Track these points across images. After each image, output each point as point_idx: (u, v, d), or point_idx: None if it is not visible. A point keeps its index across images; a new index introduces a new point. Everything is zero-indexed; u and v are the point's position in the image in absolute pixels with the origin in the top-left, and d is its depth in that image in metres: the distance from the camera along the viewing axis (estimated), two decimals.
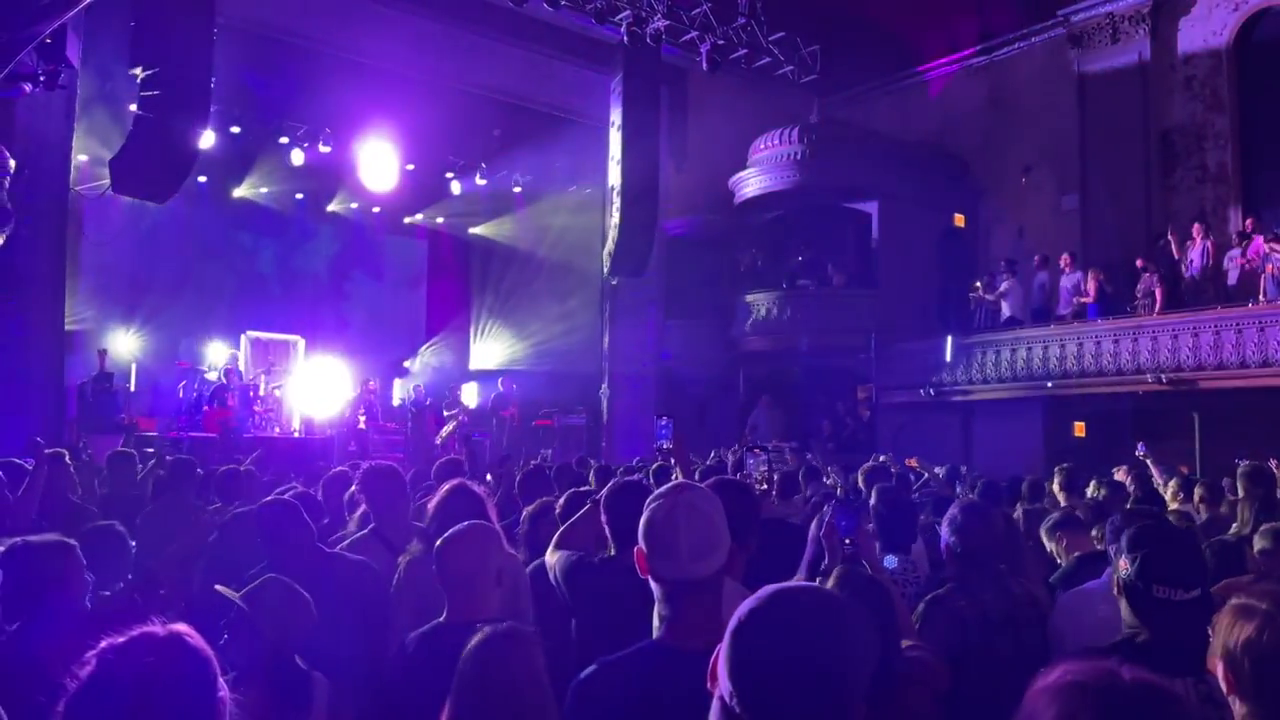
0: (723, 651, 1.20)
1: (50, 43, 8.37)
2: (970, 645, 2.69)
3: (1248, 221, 12.87)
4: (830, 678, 1.16)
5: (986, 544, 2.86)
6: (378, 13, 12.91)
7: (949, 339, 14.36)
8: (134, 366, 14.99)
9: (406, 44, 13.17)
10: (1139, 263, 12.99)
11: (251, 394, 14.27)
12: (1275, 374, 11.29)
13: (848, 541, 2.55)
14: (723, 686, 1.19)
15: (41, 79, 8.79)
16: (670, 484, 1.96)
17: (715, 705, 1.21)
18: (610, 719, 1.77)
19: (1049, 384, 13.45)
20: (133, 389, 14.49)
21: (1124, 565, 2.17)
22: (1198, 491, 5.89)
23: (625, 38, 12.36)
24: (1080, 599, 2.90)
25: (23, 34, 6.42)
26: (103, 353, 13.76)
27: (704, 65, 12.87)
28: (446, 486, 3.14)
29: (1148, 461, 7.83)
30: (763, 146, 16.36)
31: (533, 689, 1.89)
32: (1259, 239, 12.17)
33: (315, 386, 15.72)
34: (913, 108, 17.95)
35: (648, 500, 1.88)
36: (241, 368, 14.90)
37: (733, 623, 1.21)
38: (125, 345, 15.33)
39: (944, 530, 2.94)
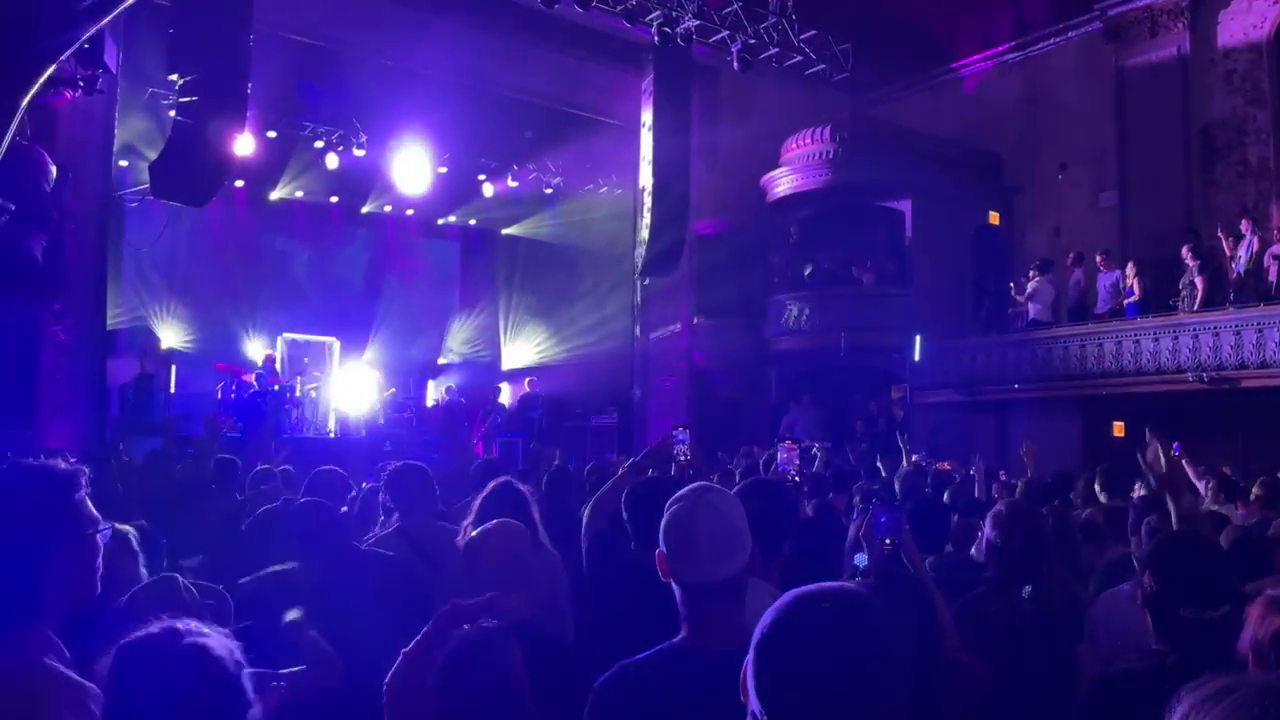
0: (749, 664, 1.14)
1: (89, 48, 8.52)
2: (999, 652, 2.65)
3: None
4: (863, 685, 1.09)
5: (1028, 543, 2.81)
6: (410, 16, 13.00)
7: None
8: (173, 368, 15.25)
9: (438, 47, 13.25)
10: (1185, 251, 12.71)
11: (287, 395, 14.45)
12: None
13: (888, 541, 2.52)
14: (752, 704, 1.13)
15: (80, 84, 8.94)
16: (691, 485, 1.94)
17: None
18: None
19: (1087, 383, 13.26)
20: (172, 390, 14.74)
21: (1148, 582, 2.11)
22: (1255, 491, 5.78)
23: (656, 38, 12.34)
24: (1114, 600, 2.85)
25: (62, 39, 6.52)
26: (146, 354, 13.98)
27: (735, 65, 12.82)
28: (491, 484, 3.16)
29: (1183, 462, 7.70)
30: (794, 146, 16.28)
31: (500, 689, 1.84)
32: None
33: (350, 387, 15.88)
34: (946, 105, 17.76)
35: (668, 502, 1.88)
36: (278, 369, 15.08)
37: (756, 634, 1.15)
38: (165, 346, 15.58)
39: (986, 527, 2.90)
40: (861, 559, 2.43)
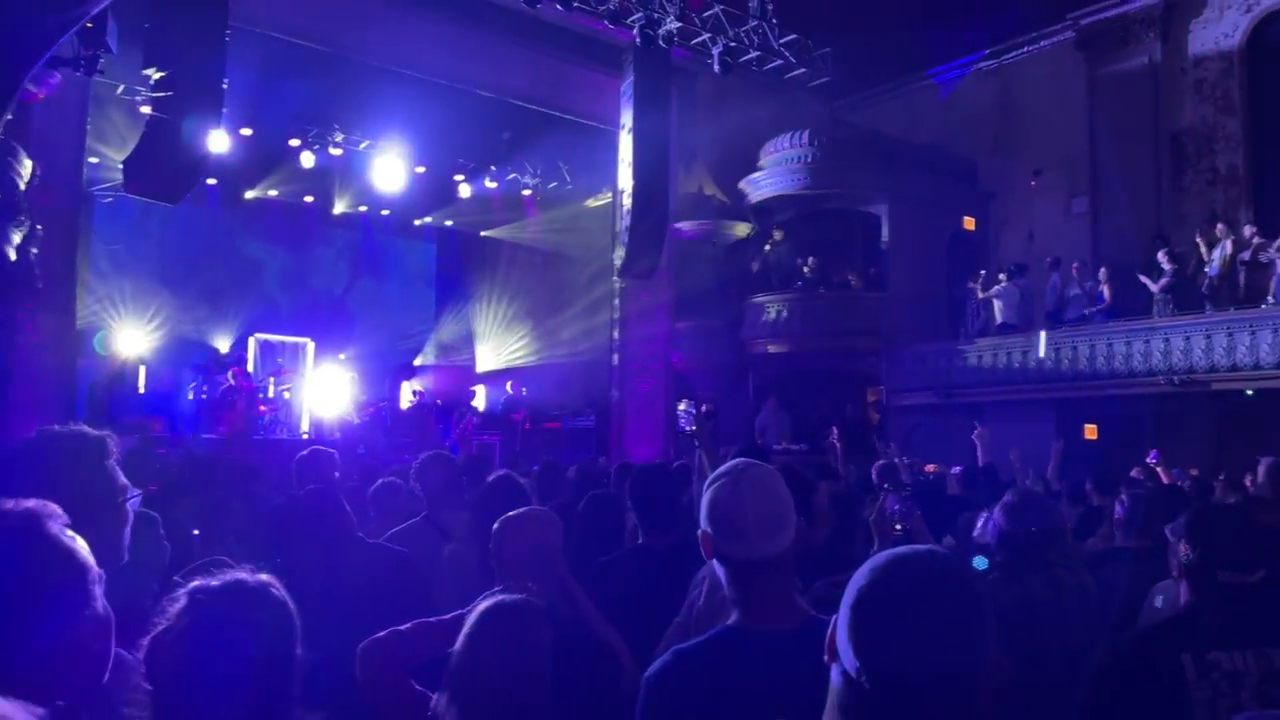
0: (842, 624, 1.13)
1: (91, 27, 8.43)
2: (1013, 637, 2.67)
3: (1255, 226, 12.83)
4: (963, 642, 1.09)
5: (1039, 531, 2.84)
6: (389, 15, 12.92)
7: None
8: (142, 368, 15.02)
9: (417, 47, 13.18)
10: (1161, 255, 12.92)
11: (260, 396, 14.28)
12: None
13: (898, 527, 2.53)
14: (847, 662, 1.11)
15: (82, 63, 8.83)
16: (731, 463, 1.92)
17: (836, 682, 1.14)
18: (690, 708, 1.70)
19: (1059, 386, 13.42)
20: (142, 390, 14.53)
21: (1184, 550, 2.17)
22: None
23: (638, 39, 12.35)
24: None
25: (73, 13, 6.41)
26: (116, 353, 13.78)
27: (716, 67, 12.86)
28: (492, 476, 3.13)
29: (1158, 469, 7.86)
30: (773, 149, 16.37)
31: (525, 662, 1.84)
32: (1263, 243, 12.17)
33: (324, 389, 15.73)
34: (923, 110, 17.95)
35: (709, 480, 1.85)
36: (250, 369, 14.91)
37: (851, 592, 1.14)
38: (135, 347, 15.35)
39: (996, 515, 2.93)
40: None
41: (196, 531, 3.05)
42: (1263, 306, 11.76)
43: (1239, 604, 2.09)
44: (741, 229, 16.86)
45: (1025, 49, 16.84)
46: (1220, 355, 11.84)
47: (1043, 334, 13.29)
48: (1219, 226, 12.80)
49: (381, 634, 2.08)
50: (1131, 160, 14.99)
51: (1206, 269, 12.56)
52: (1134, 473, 7.74)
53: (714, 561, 1.81)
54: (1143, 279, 13.08)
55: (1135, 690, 2.04)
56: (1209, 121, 14.62)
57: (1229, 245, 12.40)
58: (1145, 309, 13.06)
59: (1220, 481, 7.08)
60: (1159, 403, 12.34)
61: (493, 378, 18.30)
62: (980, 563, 3.01)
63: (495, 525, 2.27)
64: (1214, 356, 11.90)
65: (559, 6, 11.67)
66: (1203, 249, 12.77)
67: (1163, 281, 12.86)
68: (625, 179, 13.77)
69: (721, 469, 1.85)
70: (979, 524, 4.10)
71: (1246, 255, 12.31)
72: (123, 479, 1.75)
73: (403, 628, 2.09)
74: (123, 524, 1.75)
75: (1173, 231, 13.95)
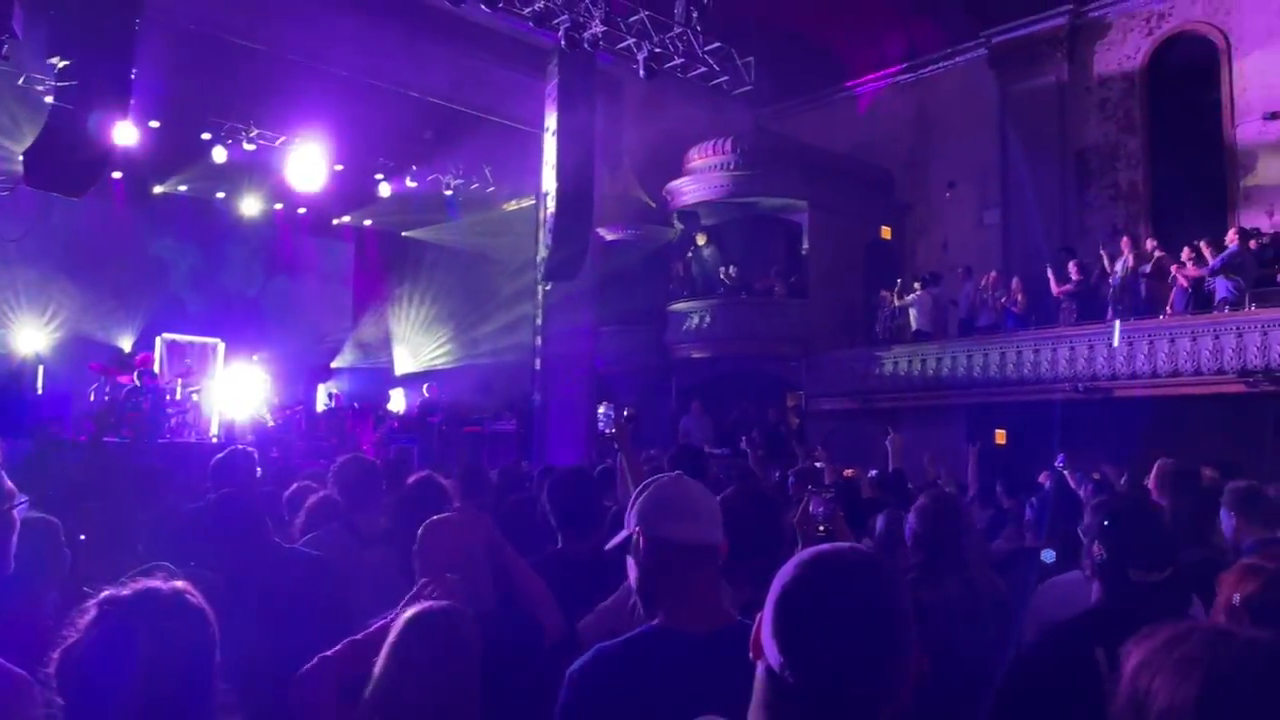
0: (767, 620, 1.14)
1: None
2: (933, 634, 2.73)
3: (1155, 240, 13.41)
4: (887, 636, 1.12)
5: (952, 533, 2.91)
6: (307, 8, 12.60)
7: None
8: (40, 369, 14.36)
9: (336, 42, 12.89)
10: (1071, 266, 13.40)
11: (167, 398, 13.77)
12: (1183, 384, 11.81)
13: (821, 529, 2.56)
14: (771, 658, 1.13)
15: None
16: (660, 475, 1.93)
17: (761, 678, 1.15)
18: (613, 709, 1.69)
19: (971, 392, 13.81)
20: (39, 391, 13.89)
21: (1097, 550, 2.24)
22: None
23: (563, 42, 12.31)
24: (1054, 588, 2.98)
25: None
26: (11, 353, 13.16)
27: (641, 73, 12.90)
28: (413, 478, 3.07)
29: (1065, 472, 8.15)
30: (697, 155, 16.51)
31: (453, 669, 1.80)
32: (1164, 256, 12.74)
33: (235, 391, 15.26)
34: (843, 122, 18.31)
35: (644, 483, 1.85)
36: (157, 370, 14.37)
37: (776, 589, 1.15)
38: (33, 345, 14.67)
39: (911, 518, 2.99)
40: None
41: (83, 537, 2.92)
42: (1160, 318, 12.30)
43: (1148, 600, 2.17)
44: (666, 234, 16.95)
45: (941, 64, 17.32)
46: (1121, 363, 12.34)
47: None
48: (1124, 240, 13.35)
49: (311, 663, 2.00)
50: (1040, 174, 15.53)
51: (1110, 280, 13.08)
52: (1042, 477, 7.99)
53: (639, 561, 1.79)
54: (1049, 275, 13.54)
55: (1050, 682, 2.10)
56: (1112, 139, 15.24)
57: (1130, 258, 12.94)
58: (1055, 318, 13.54)
59: (1124, 484, 7.37)
60: (1066, 408, 12.78)
61: (412, 380, 18.01)
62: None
63: (421, 528, 2.22)
64: (1115, 364, 12.40)
65: (484, 7, 11.56)
66: (1105, 261, 13.30)
67: (1066, 287, 13.35)
68: (549, 181, 13.71)
69: (655, 477, 1.86)
70: (879, 524, 4.18)
71: (1147, 268, 12.86)
72: (9, 484, 1.65)
73: (330, 653, 2.01)
74: (9, 531, 1.65)
75: (1078, 244, 14.50)
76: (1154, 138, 14.95)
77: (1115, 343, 12.80)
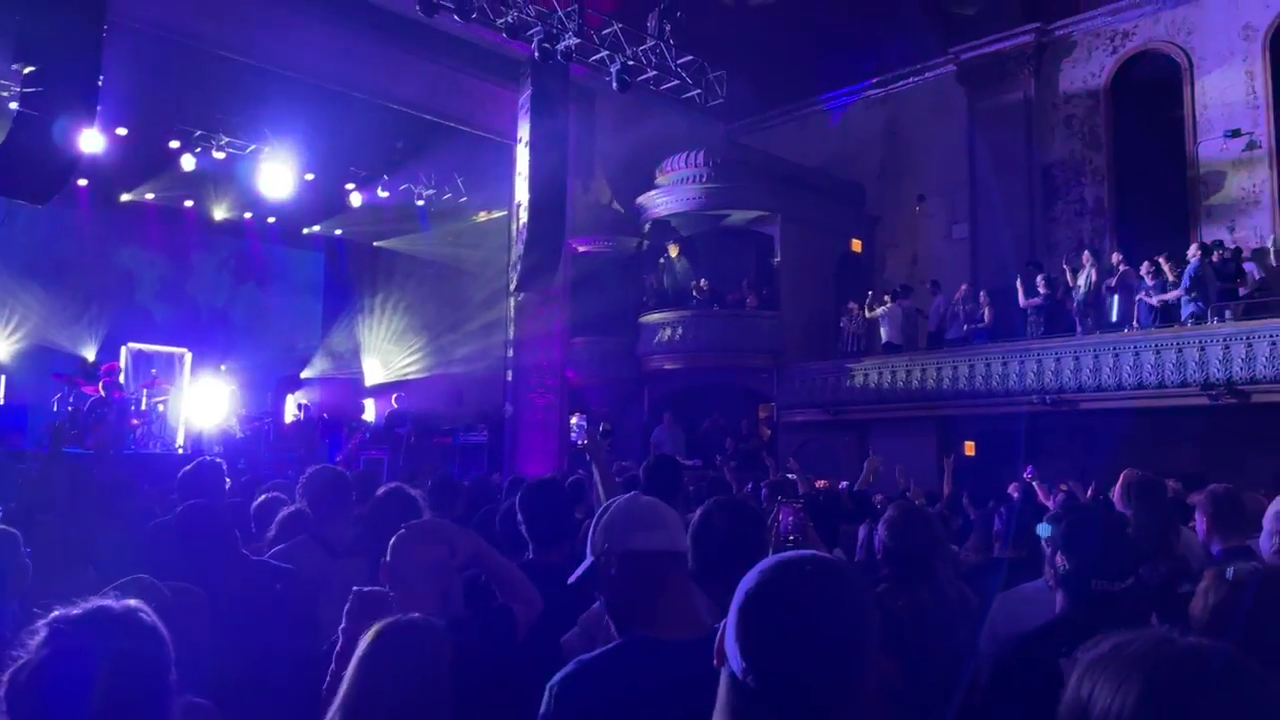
0: (730, 627, 1.16)
1: None
2: (906, 645, 2.75)
3: (1120, 254, 13.62)
4: (847, 642, 1.13)
5: (920, 545, 2.93)
6: (277, 16, 12.54)
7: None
8: (2, 377, 14.13)
9: (308, 51, 12.83)
10: (1039, 280, 13.59)
11: (132, 409, 13.58)
12: (1148, 396, 11.99)
13: (792, 538, 2.58)
14: (734, 663, 1.14)
15: None
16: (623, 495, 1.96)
17: (724, 684, 1.16)
18: (594, 718, 1.70)
19: (940, 404, 13.93)
20: (0, 400, 13.66)
21: (1060, 561, 2.27)
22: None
23: (536, 53, 12.34)
24: (1014, 597, 3.01)
25: None
26: None
27: (614, 85, 12.94)
28: (383, 490, 3.05)
29: (1034, 483, 8.24)
30: (669, 168, 16.57)
31: (424, 684, 1.78)
32: (1128, 270, 12.95)
33: (202, 402, 15.07)
34: (815, 135, 18.48)
35: (599, 510, 1.90)
36: (122, 380, 14.17)
37: (739, 596, 1.17)
38: None
39: (880, 530, 3.01)
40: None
41: (28, 549, 2.87)
42: (1124, 332, 12.49)
43: (1110, 610, 2.20)
44: (639, 245, 16.99)
45: (911, 80, 17.53)
46: (1087, 376, 12.50)
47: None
48: (1085, 255, 13.56)
49: None
50: (1008, 189, 15.75)
51: (1073, 294, 13.27)
52: (1011, 488, 8.08)
53: (611, 580, 1.80)
54: (1018, 288, 13.71)
55: (1015, 691, 2.12)
56: (1077, 155, 15.50)
57: (1093, 272, 13.14)
58: (1022, 331, 13.71)
59: (1090, 496, 7.44)
60: (1034, 420, 12.94)
61: (382, 391, 17.88)
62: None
63: (392, 540, 2.21)
64: (1081, 377, 12.56)
65: (457, 18, 11.56)
66: (1068, 275, 13.51)
67: (1033, 300, 13.53)
68: (522, 192, 13.71)
69: (617, 497, 1.88)
70: (860, 535, 4.22)
71: (1113, 282, 13.06)
72: None
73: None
74: None
75: (1045, 258, 14.70)
76: (1118, 154, 15.21)
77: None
